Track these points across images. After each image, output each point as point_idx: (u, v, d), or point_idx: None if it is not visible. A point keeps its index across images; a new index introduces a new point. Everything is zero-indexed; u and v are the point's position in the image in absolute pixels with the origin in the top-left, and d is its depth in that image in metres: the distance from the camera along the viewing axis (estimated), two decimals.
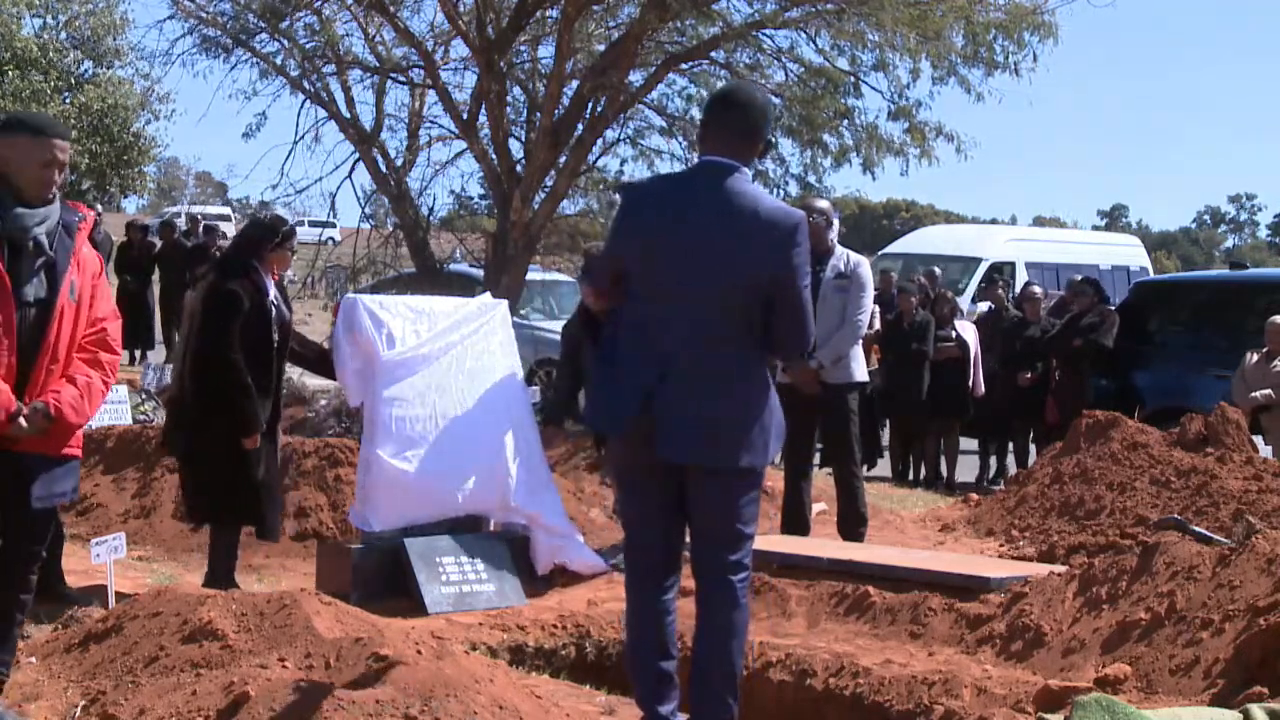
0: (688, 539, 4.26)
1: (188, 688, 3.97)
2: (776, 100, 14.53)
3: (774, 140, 4.21)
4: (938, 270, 15.10)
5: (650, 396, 3.94)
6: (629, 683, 4.32)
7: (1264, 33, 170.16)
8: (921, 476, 12.06)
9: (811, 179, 14.95)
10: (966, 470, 12.41)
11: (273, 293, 6.17)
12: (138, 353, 17.10)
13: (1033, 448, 12.06)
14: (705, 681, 3.99)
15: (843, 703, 5.16)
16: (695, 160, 4.18)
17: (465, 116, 14.31)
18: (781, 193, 14.94)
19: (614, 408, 4.03)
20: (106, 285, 4.30)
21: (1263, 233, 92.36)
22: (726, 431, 3.95)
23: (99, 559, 5.51)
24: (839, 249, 7.60)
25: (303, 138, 14.88)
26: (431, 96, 15.02)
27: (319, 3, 14.36)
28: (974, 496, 10.05)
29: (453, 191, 21.02)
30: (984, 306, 13.83)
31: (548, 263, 15.86)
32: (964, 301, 15.61)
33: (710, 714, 3.98)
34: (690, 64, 14.29)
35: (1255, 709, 3.82)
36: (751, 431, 3.98)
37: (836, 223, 7.69)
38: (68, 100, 22.55)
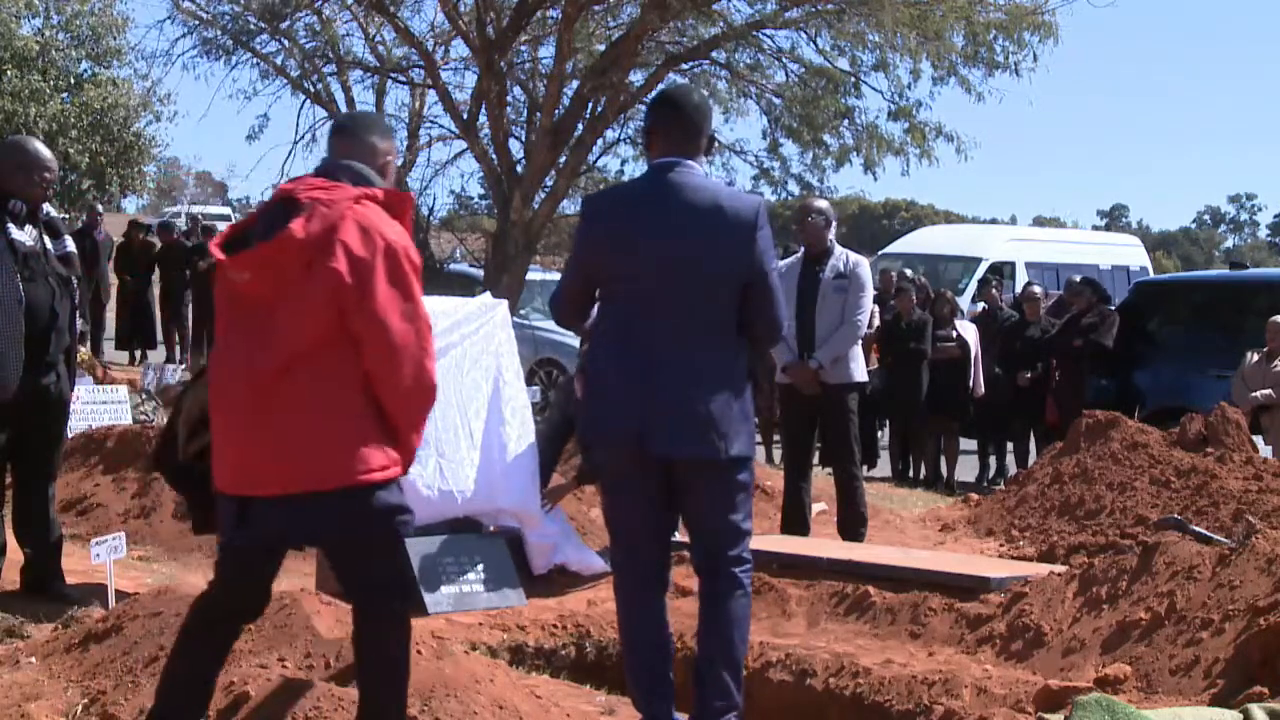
0: (680, 539, 4.29)
1: None
2: (777, 101, 14.56)
3: (716, 135, 4.30)
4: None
5: (643, 400, 3.96)
6: (628, 684, 4.32)
7: (1264, 33, 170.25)
8: (921, 476, 12.05)
9: (813, 179, 14.97)
10: (966, 470, 12.41)
11: None
12: (138, 353, 17.12)
13: (1033, 448, 12.07)
14: (711, 673, 4.00)
15: (843, 703, 5.16)
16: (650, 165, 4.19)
17: (465, 116, 14.33)
18: (783, 192, 14.99)
19: (610, 417, 4.05)
20: None
21: (1263, 233, 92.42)
22: (718, 424, 3.99)
23: (99, 559, 5.51)
24: (838, 249, 7.60)
25: (303, 138, 14.93)
26: (431, 96, 15.06)
27: (319, 3, 14.38)
28: (974, 496, 10.05)
29: (453, 191, 21.11)
30: (983, 306, 13.84)
31: (548, 263, 15.88)
32: (964, 301, 15.61)
33: (717, 705, 3.99)
34: (690, 64, 14.30)
35: (1255, 709, 3.82)
36: (740, 421, 4.05)
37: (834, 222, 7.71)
38: (68, 100, 22.53)
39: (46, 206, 5.88)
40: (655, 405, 3.96)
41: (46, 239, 5.73)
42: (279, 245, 3.40)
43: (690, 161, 4.10)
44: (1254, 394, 10.11)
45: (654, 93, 4.95)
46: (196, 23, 14.37)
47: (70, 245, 5.94)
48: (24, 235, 5.57)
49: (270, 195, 3.72)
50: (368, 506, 3.48)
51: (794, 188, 15.05)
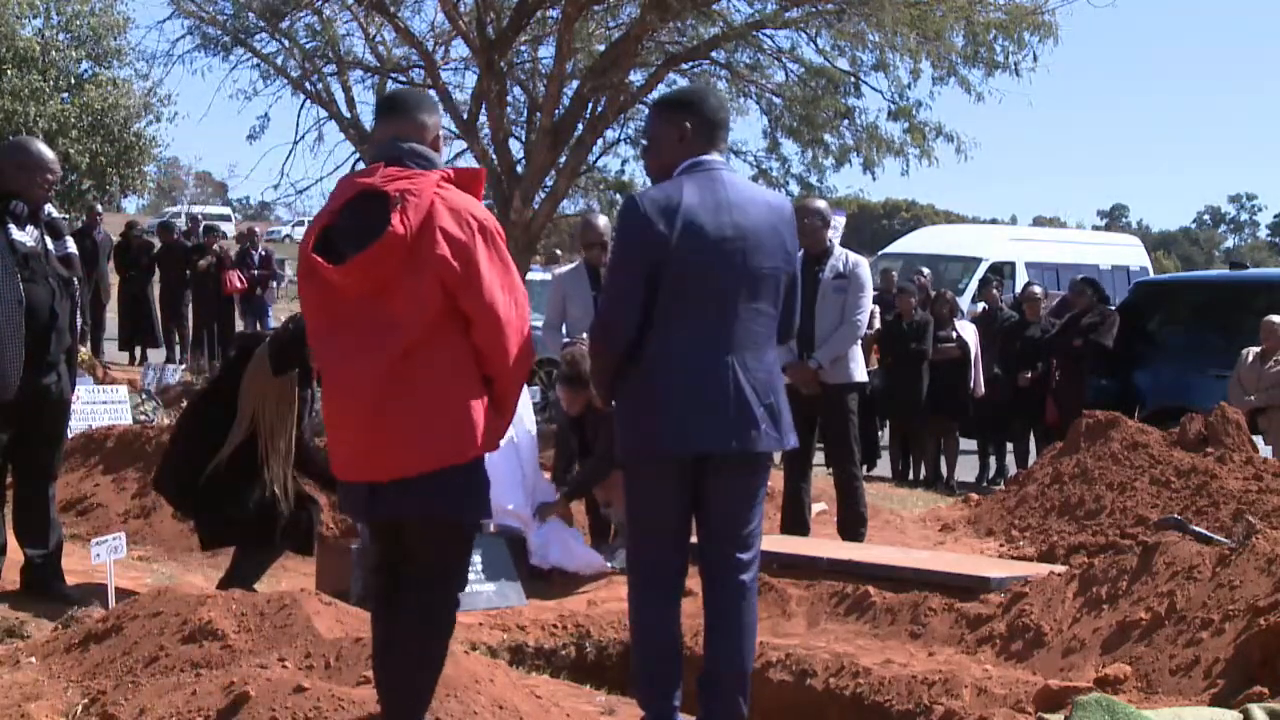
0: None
1: (188, 688, 3.97)
2: (777, 101, 14.57)
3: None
4: (926, 270, 15.08)
5: (723, 402, 3.94)
6: (630, 684, 4.32)
7: (1265, 33, 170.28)
8: (921, 476, 12.05)
9: (812, 179, 14.98)
10: (966, 470, 12.41)
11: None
12: (138, 352, 17.12)
13: (1033, 448, 12.07)
14: (716, 682, 3.99)
15: (843, 703, 5.16)
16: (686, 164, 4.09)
17: (465, 116, 14.33)
18: (784, 192, 14.99)
19: (687, 428, 3.94)
20: None
21: (1263, 233, 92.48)
22: (782, 417, 4.05)
23: (99, 559, 5.51)
24: (838, 249, 7.61)
25: (303, 138, 14.93)
26: (431, 96, 15.05)
27: (320, 2, 14.38)
28: (974, 496, 10.04)
29: None
30: (983, 307, 13.85)
31: (548, 263, 15.90)
32: (964, 301, 15.61)
33: (722, 714, 3.99)
34: (690, 64, 14.30)
35: (1255, 709, 3.82)
36: (790, 414, 4.11)
37: (841, 222, 7.70)
38: (68, 100, 22.54)
39: (48, 207, 5.88)
40: (736, 405, 3.93)
41: (48, 239, 5.73)
42: (386, 246, 3.46)
43: (721, 158, 4.10)
44: (1248, 398, 10.09)
45: (669, 92, 4.90)
46: (197, 21, 14.37)
47: (71, 246, 5.95)
48: (25, 236, 5.57)
49: (340, 187, 3.69)
50: (469, 484, 3.61)
51: (794, 187, 15.06)
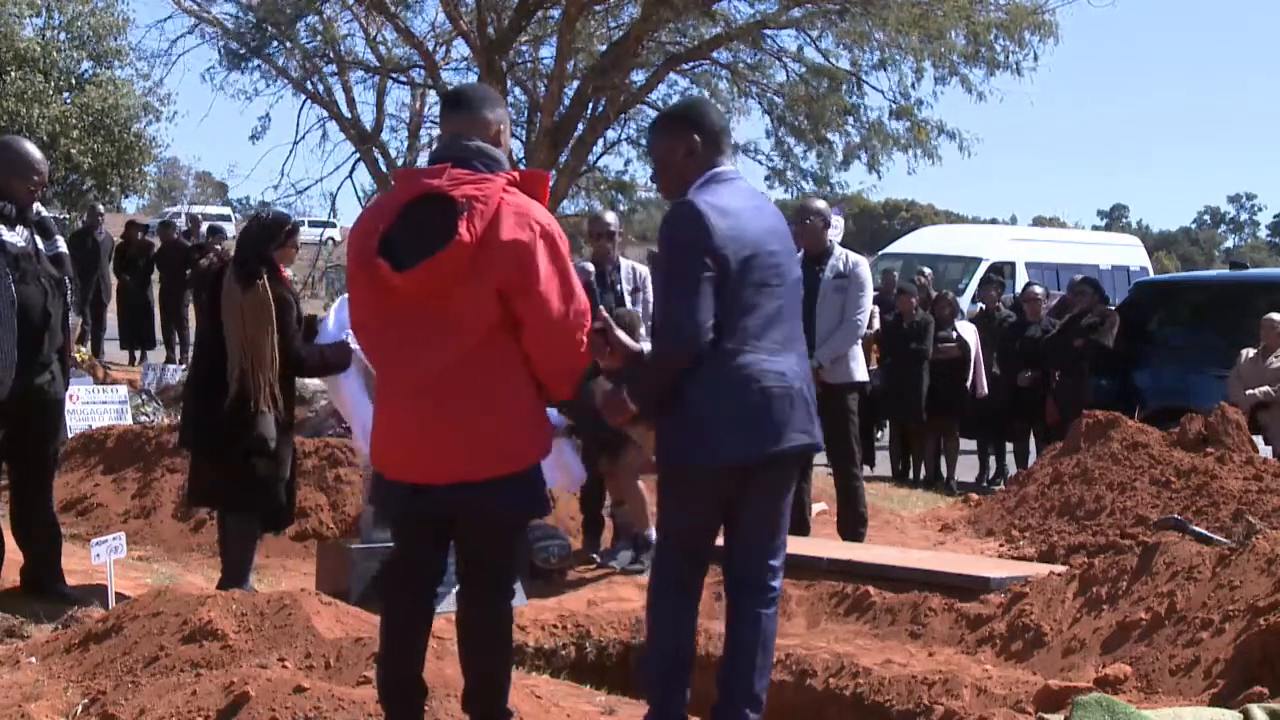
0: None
1: (188, 688, 3.97)
2: (778, 100, 14.58)
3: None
4: (927, 270, 15.05)
5: (794, 406, 3.93)
6: (640, 681, 4.32)
7: (1264, 33, 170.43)
8: (921, 476, 12.05)
9: (824, 178, 15.01)
10: (966, 470, 12.40)
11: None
12: (138, 353, 17.12)
13: (1033, 448, 12.06)
14: (735, 692, 3.98)
15: (843, 703, 5.16)
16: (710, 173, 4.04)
17: None
18: (794, 191, 15.04)
19: (759, 435, 3.89)
20: None
21: (1263, 233, 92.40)
22: (815, 414, 4.06)
23: (99, 559, 5.51)
24: (838, 249, 7.61)
25: (303, 138, 14.97)
26: (432, 96, 15.08)
27: (321, 3, 14.41)
28: (974, 496, 10.04)
29: None
30: (981, 307, 13.84)
31: None
32: (964, 301, 15.60)
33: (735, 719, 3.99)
34: (692, 64, 14.33)
35: (1255, 709, 3.82)
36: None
37: (840, 222, 7.70)
38: (69, 100, 22.55)
39: (38, 206, 5.85)
40: (801, 403, 3.94)
41: (38, 239, 5.71)
42: (452, 255, 3.46)
43: (733, 167, 4.13)
44: (1251, 391, 10.09)
45: (667, 108, 4.88)
46: (213, 28, 14.41)
47: (62, 245, 5.92)
48: (15, 236, 5.56)
49: (402, 184, 3.67)
50: (528, 488, 3.66)
51: (806, 186, 15.10)
